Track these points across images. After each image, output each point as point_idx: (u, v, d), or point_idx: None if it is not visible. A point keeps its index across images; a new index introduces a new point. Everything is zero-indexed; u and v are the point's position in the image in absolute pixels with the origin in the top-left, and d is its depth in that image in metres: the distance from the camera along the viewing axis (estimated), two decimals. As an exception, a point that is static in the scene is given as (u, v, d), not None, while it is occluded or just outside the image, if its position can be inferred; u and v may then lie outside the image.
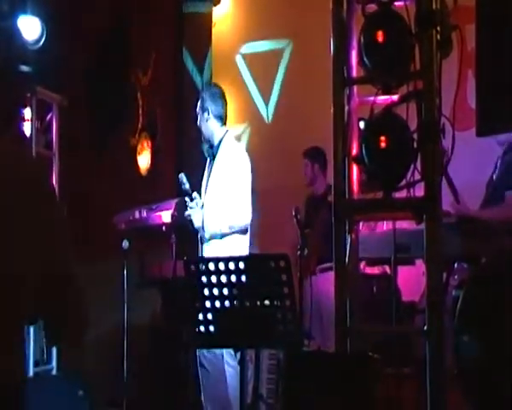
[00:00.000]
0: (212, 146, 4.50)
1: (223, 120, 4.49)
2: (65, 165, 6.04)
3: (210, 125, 4.48)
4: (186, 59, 6.74)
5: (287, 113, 6.47)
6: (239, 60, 6.77)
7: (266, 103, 6.68)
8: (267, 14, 6.52)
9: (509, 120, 3.06)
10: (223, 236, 4.32)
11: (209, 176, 4.49)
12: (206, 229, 4.32)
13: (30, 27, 5.41)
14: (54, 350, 5.69)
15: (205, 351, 4.21)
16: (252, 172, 4.39)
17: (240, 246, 4.35)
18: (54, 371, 5.65)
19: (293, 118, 6.26)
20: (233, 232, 4.31)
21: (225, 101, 4.55)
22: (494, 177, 3.96)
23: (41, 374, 5.49)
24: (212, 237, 4.33)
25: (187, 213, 4.42)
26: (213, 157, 4.48)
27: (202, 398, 4.32)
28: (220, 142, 4.45)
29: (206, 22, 6.84)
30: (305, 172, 5.69)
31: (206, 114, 4.49)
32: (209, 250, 4.35)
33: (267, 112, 6.68)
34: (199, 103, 4.57)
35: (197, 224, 4.36)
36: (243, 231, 4.37)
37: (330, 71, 3.05)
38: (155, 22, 6.86)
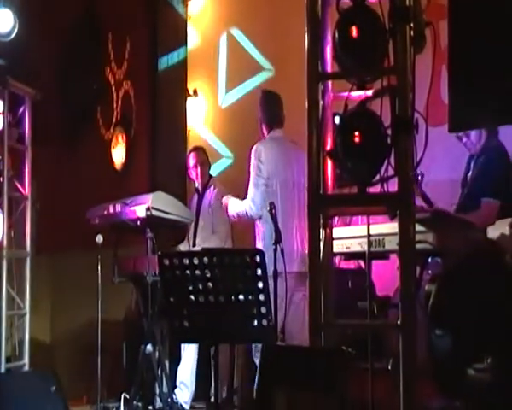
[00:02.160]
0: None
1: (270, 124, 4.78)
2: (37, 159, 5.99)
3: (262, 131, 4.84)
4: (161, 52, 6.67)
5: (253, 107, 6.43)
6: (223, 39, 6.61)
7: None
8: (243, 8, 6.50)
9: (481, 116, 3.10)
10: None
11: None
12: None
13: (2, 20, 5.34)
14: (26, 346, 5.65)
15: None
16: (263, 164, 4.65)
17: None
18: (26, 367, 5.61)
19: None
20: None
21: (270, 105, 4.82)
22: (468, 178, 3.99)
23: (13, 370, 5.44)
24: None
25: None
26: None
27: None
28: None
29: (180, 14, 6.77)
30: None
31: (259, 122, 4.86)
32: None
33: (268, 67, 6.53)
34: None
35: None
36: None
37: (305, 65, 3.05)
38: (130, 14, 6.80)
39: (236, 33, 6.47)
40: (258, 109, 4.85)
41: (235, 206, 4.80)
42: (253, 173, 4.69)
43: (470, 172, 3.99)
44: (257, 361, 4.34)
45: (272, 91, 4.94)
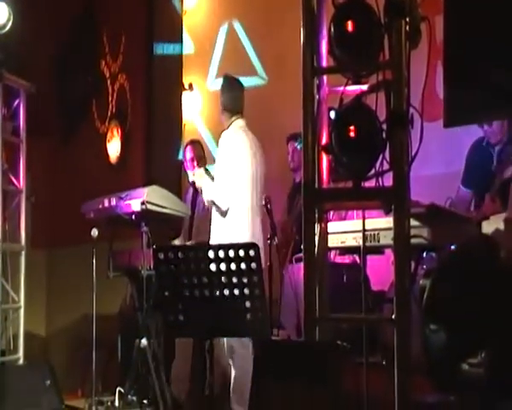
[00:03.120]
0: None
1: (232, 110, 4.57)
2: (32, 152, 5.97)
3: (223, 118, 4.61)
4: (156, 51, 6.65)
5: (257, 102, 6.44)
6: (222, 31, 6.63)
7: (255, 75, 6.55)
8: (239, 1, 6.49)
9: (476, 111, 3.10)
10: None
11: None
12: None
13: (-3, 12, 5.32)
14: (21, 340, 5.65)
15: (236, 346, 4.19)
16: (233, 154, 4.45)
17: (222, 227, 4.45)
18: (21, 361, 5.60)
19: (263, 107, 6.23)
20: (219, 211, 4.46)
21: (233, 91, 4.61)
22: (493, 167, 4.02)
23: (8, 364, 5.44)
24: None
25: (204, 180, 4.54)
26: None
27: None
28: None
29: (176, 6, 6.76)
30: (291, 158, 5.52)
31: (220, 108, 4.63)
32: (214, 229, 4.48)
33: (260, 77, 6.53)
34: None
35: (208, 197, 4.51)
36: (222, 214, 4.43)
37: (300, 59, 3.04)
38: (125, 8, 6.78)
39: (237, 26, 6.47)
40: (221, 95, 4.62)
41: (209, 192, 4.52)
42: (222, 164, 4.45)
43: (495, 161, 4.02)
44: (232, 363, 4.29)
45: (235, 78, 4.73)
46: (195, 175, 4.68)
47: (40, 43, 6.91)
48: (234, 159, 4.43)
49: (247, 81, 6.20)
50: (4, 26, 5.31)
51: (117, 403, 4.88)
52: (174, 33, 6.69)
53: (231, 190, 4.40)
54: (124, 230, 5.21)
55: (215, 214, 4.50)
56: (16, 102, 5.82)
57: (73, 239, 6.26)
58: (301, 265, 4.43)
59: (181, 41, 6.69)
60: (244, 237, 4.32)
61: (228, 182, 4.40)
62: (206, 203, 4.66)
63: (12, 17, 5.31)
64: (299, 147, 5.29)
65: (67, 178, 7.01)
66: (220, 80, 4.82)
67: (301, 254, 4.48)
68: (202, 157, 5.69)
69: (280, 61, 5.88)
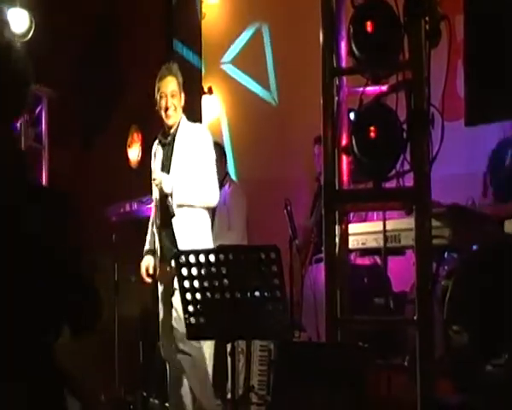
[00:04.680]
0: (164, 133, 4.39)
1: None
2: (54, 158, 6.02)
3: None
4: (177, 48, 6.71)
5: (277, 105, 6.43)
6: (228, 68, 6.73)
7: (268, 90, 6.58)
8: (257, 5, 6.50)
9: (497, 109, 3.07)
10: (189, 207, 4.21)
11: (170, 156, 4.31)
12: (176, 196, 4.17)
13: (18, 20, 5.38)
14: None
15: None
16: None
17: (204, 222, 4.30)
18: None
19: (284, 110, 6.22)
20: (201, 207, 4.24)
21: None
22: None
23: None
24: (179, 207, 4.19)
25: (158, 175, 4.25)
26: (172, 140, 4.33)
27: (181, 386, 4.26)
28: (178, 125, 4.32)
29: (195, 12, 6.80)
30: (317, 160, 5.32)
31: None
32: (176, 222, 4.22)
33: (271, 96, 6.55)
34: None
35: (167, 190, 4.18)
36: (205, 208, 4.31)
37: (319, 60, 3.04)
38: (145, 12, 6.82)
39: (264, 30, 6.50)
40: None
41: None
42: (210, 161, 4.26)
43: None
44: (186, 348, 4.16)
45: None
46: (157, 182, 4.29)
47: (61, 50, 6.97)
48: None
49: (258, 89, 6.26)
50: (26, 33, 5.37)
51: (140, 406, 4.90)
52: (194, 36, 6.74)
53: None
54: (145, 233, 5.23)
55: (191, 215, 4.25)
56: (38, 109, 5.88)
57: (95, 243, 6.29)
58: (320, 265, 4.41)
59: (200, 44, 6.74)
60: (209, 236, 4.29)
61: (215, 180, 4.25)
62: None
63: (33, 25, 5.37)
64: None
65: (89, 183, 7.06)
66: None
67: (321, 255, 4.46)
68: (222, 159, 5.69)
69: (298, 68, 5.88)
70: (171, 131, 4.35)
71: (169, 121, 4.31)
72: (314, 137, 5.44)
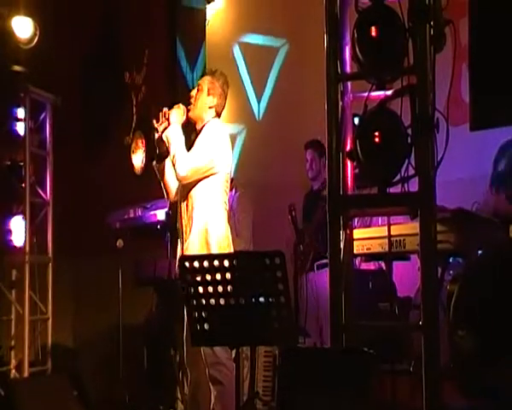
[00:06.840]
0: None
1: (221, 112, 4.13)
2: (58, 164, 6.03)
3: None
4: (180, 56, 6.72)
5: (279, 110, 6.44)
6: (236, 50, 6.73)
7: (258, 100, 6.64)
8: (261, 11, 6.51)
9: (503, 114, 3.07)
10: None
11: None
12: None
13: (23, 27, 5.40)
14: (49, 351, 5.69)
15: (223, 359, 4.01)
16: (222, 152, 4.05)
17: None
18: (49, 372, 5.64)
19: (285, 115, 6.23)
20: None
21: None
22: None
23: (36, 374, 5.48)
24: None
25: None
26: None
27: None
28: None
29: (199, 19, 6.82)
30: (309, 166, 5.38)
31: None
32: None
33: (258, 109, 6.63)
34: None
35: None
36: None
37: (324, 67, 3.04)
38: (149, 19, 6.84)
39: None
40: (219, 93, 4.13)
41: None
42: (206, 145, 4.01)
43: None
44: (216, 375, 4.09)
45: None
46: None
47: (65, 57, 6.99)
48: (218, 154, 4.00)
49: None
50: (30, 40, 5.39)
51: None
52: (198, 44, 6.75)
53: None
54: (149, 240, 5.24)
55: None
56: (42, 116, 5.89)
57: (99, 250, 6.30)
58: (323, 272, 4.40)
59: (204, 50, 6.75)
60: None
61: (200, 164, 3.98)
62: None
63: (38, 32, 5.38)
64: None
65: (93, 189, 7.07)
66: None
67: (323, 261, 4.45)
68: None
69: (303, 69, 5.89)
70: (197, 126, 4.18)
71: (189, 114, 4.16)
72: (304, 143, 5.44)
